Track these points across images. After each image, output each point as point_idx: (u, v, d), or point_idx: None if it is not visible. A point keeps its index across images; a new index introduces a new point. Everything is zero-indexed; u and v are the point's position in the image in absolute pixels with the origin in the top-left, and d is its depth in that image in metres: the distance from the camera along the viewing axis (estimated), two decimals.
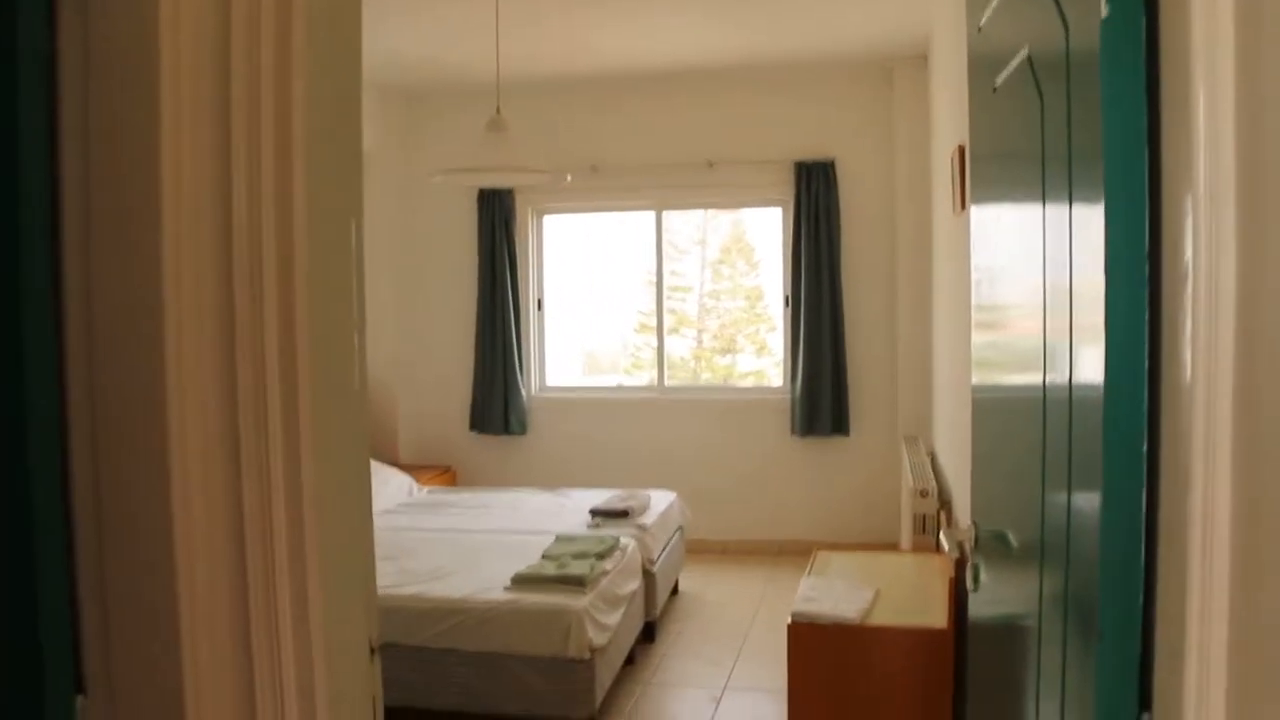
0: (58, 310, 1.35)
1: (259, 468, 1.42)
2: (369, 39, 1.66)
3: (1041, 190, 1.65)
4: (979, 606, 2.30)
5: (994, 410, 2.15)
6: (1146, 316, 1.21)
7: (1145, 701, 1.23)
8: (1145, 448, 1.22)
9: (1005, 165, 2.00)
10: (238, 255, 1.40)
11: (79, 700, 1.36)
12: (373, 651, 1.56)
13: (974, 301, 2.37)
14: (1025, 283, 1.81)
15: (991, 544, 2.11)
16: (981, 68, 2.13)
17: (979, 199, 2.32)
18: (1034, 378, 1.71)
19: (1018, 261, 1.87)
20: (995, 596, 2.12)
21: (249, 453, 1.42)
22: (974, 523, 2.26)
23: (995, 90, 1.97)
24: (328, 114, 1.46)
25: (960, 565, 2.26)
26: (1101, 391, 1.29)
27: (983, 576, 2.26)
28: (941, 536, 2.26)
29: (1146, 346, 1.22)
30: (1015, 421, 1.90)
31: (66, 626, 1.34)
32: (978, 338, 2.36)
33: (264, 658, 1.40)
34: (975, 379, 2.36)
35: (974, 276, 2.37)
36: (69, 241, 1.36)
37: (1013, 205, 1.95)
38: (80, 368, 1.38)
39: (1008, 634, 2.04)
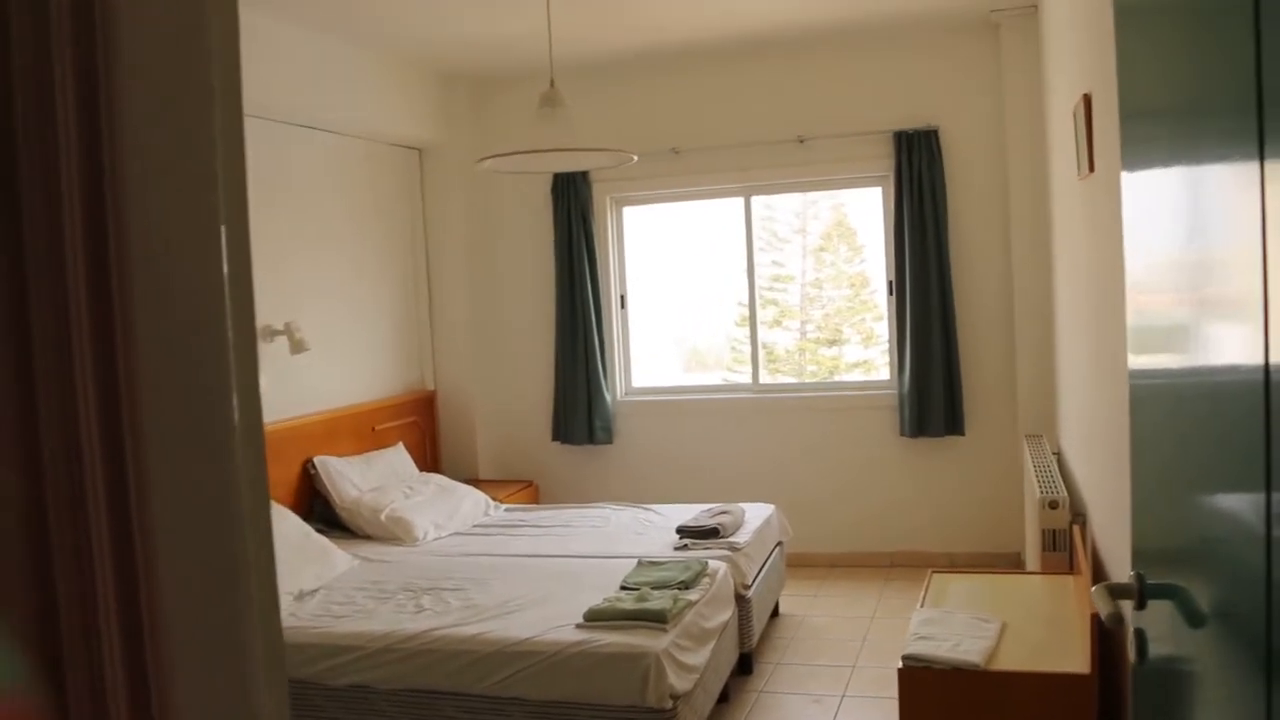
0: None
1: (74, 545, 0.97)
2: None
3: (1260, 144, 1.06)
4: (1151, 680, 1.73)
5: (1180, 404, 1.53)
6: None
7: None
8: None
9: (1187, 117, 1.42)
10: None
11: None
12: None
13: (1130, 271, 1.78)
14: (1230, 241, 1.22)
15: (1169, 606, 1.54)
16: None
17: (1137, 160, 1.71)
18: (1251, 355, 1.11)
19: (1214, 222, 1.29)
20: (1176, 677, 1.55)
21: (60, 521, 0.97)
22: (1137, 574, 1.69)
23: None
24: (170, 68, 0.99)
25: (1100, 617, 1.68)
26: None
27: (1151, 649, 1.69)
28: (1093, 596, 1.69)
29: None
30: (1222, 420, 1.31)
31: None
32: (1142, 309, 1.76)
33: None
34: (1137, 362, 1.75)
35: (1130, 244, 1.78)
36: None
37: (1196, 165, 1.37)
38: None
39: None
